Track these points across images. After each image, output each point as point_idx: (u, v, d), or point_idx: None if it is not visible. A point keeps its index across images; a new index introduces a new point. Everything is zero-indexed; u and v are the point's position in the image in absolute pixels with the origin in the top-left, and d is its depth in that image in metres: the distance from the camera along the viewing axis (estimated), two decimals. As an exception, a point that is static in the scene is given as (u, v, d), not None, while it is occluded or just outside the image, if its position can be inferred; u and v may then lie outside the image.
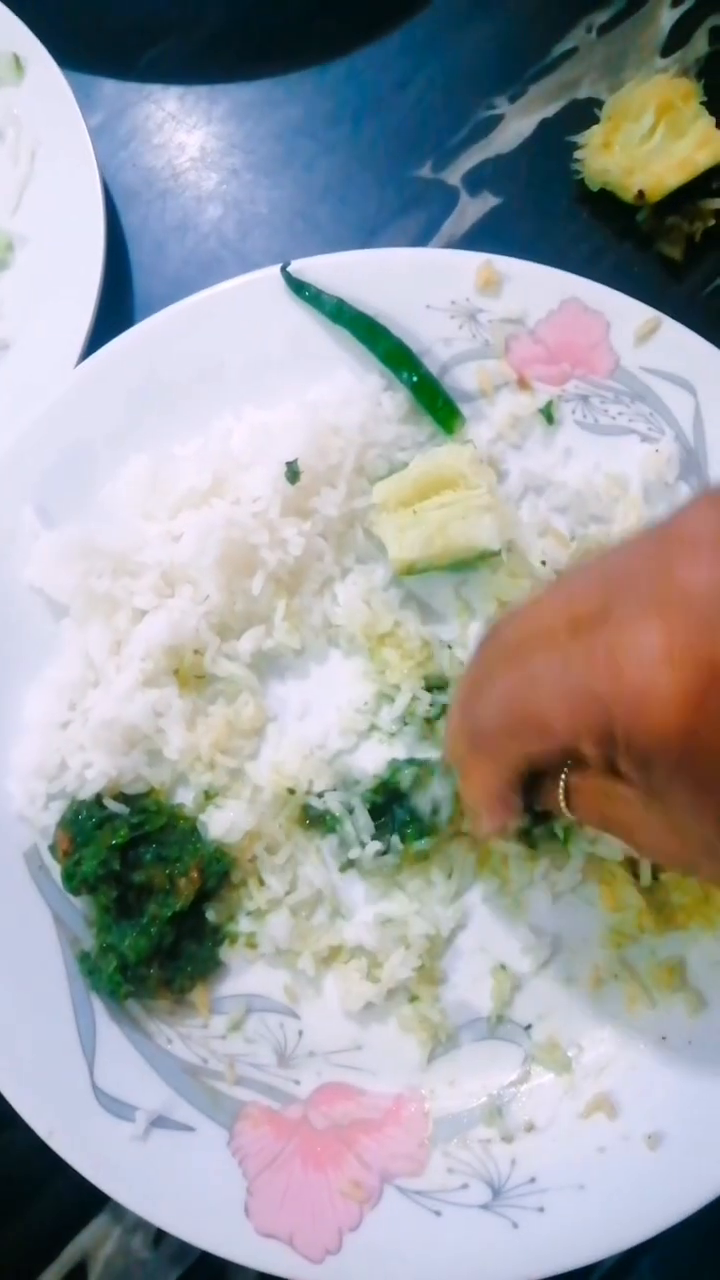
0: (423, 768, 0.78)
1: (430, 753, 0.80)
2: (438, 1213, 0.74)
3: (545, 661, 0.55)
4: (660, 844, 0.59)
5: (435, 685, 0.81)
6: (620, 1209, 0.73)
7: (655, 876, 0.79)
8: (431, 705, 0.80)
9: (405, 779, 0.78)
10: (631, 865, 0.79)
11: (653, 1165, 0.74)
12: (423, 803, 0.77)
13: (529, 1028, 0.78)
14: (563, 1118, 0.76)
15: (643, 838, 0.59)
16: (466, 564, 0.80)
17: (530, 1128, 0.76)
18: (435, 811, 0.77)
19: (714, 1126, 0.74)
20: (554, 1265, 0.72)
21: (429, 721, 0.80)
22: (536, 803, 0.64)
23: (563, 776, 0.60)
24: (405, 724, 0.81)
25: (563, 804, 0.61)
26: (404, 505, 0.79)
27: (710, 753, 0.49)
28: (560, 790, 0.61)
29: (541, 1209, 0.73)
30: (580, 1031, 0.78)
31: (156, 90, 0.99)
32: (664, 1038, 0.77)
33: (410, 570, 0.80)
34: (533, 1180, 0.74)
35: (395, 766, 0.79)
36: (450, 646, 0.82)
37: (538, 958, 0.79)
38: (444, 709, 0.80)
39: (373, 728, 0.81)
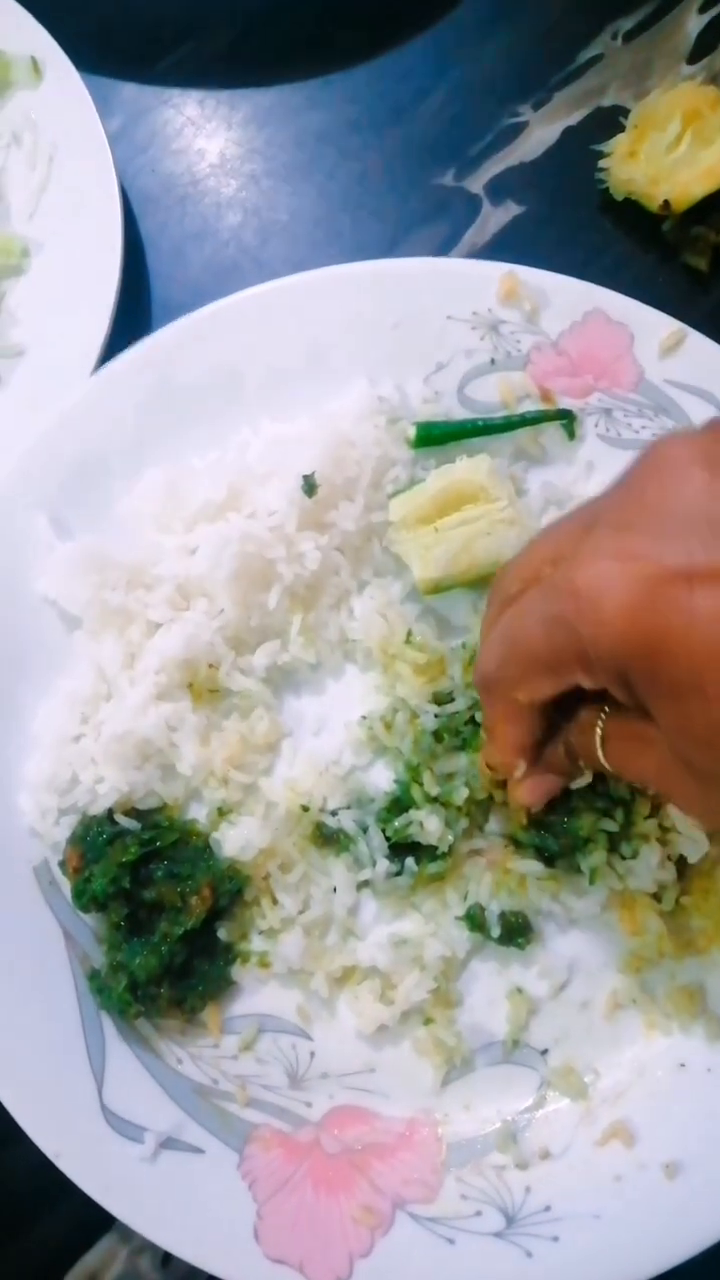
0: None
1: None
2: (450, 1240, 0.72)
3: (530, 597, 0.58)
4: (683, 789, 0.59)
5: (445, 699, 0.79)
6: (637, 1239, 0.72)
7: (677, 901, 0.77)
8: (437, 718, 0.78)
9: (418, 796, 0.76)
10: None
11: (671, 1195, 0.72)
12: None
13: (545, 1052, 0.77)
14: (579, 1145, 0.75)
15: (668, 784, 0.60)
16: (491, 580, 0.79)
17: (545, 1155, 0.75)
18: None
19: (733, 1156, 0.73)
20: (568, 1296, 0.71)
21: (436, 736, 0.78)
22: (574, 753, 0.66)
23: (599, 724, 0.62)
24: (404, 737, 0.79)
25: (599, 753, 0.62)
26: (424, 522, 0.78)
27: (667, 656, 0.50)
28: (597, 738, 0.62)
29: (556, 1238, 0.72)
30: (597, 1057, 0.77)
31: (176, 95, 0.98)
32: (683, 1064, 0.76)
33: (436, 589, 0.79)
34: (547, 1208, 0.73)
35: (404, 784, 0.77)
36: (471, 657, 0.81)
37: (554, 981, 0.78)
38: (449, 719, 0.79)
39: (383, 747, 0.80)
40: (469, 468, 0.79)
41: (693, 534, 0.49)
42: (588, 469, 0.84)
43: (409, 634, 0.80)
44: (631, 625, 0.50)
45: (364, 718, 0.80)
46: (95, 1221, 0.78)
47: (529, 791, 0.69)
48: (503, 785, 0.74)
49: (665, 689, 0.51)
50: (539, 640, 0.56)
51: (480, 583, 0.79)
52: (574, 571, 0.52)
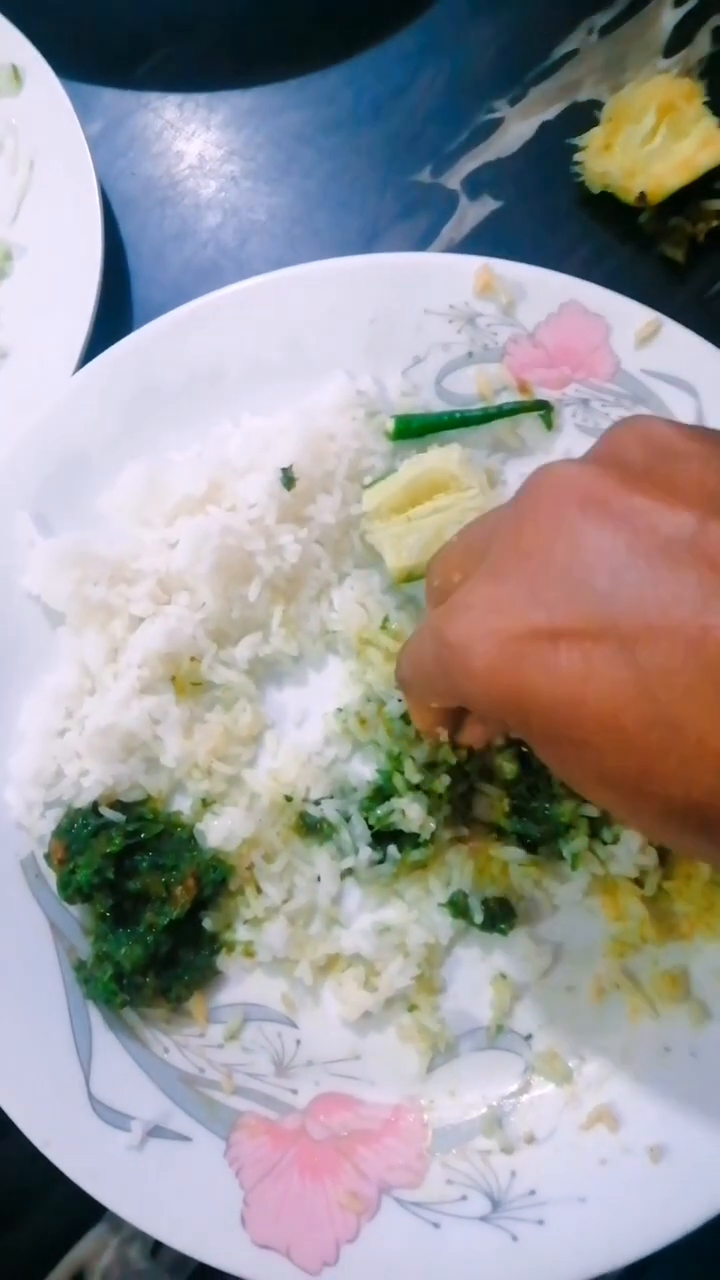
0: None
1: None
2: (436, 1225, 0.73)
3: (427, 626, 0.58)
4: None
5: None
6: (622, 1222, 0.72)
7: (659, 886, 0.78)
8: (400, 702, 0.78)
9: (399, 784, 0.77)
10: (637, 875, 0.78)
11: (655, 1178, 0.73)
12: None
13: (529, 1038, 0.78)
14: (563, 1129, 0.75)
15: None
16: None
17: (530, 1139, 0.75)
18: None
19: (718, 1139, 0.73)
20: (554, 1279, 0.71)
21: (404, 719, 0.78)
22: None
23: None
24: (377, 728, 0.79)
25: None
26: (397, 512, 0.79)
27: (536, 712, 0.49)
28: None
29: (541, 1221, 0.72)
30: (582, 1042, 0.77)
31: (155, 98, 0.99)
32: (667, 1049, 0.76)
33: (410, 577, 0.80)
34: (532, 1192, 0.73)
35: (386, 774, 0.78)
36: None
37: (538, 967, 0.78)
38: None
39: (358, 741, 0.81)
40: (440, 457, 0.79)
41: (560, 586, 0.48)
42: (565, 457, 0.84)
43: (385, 620, 0.80)
44: (498, 683, 0.49)
45: (339, 710, 0.80)
46: (85, 1212, 0.78)
47: (469, 738, 0.72)
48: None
49: (539, 739, 0.50)
50: (432, 671, 0.57)
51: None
52: (447, 623, 0.52)
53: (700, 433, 0.52)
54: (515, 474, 0.85)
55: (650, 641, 0.45)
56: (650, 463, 0.50)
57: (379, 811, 0.77)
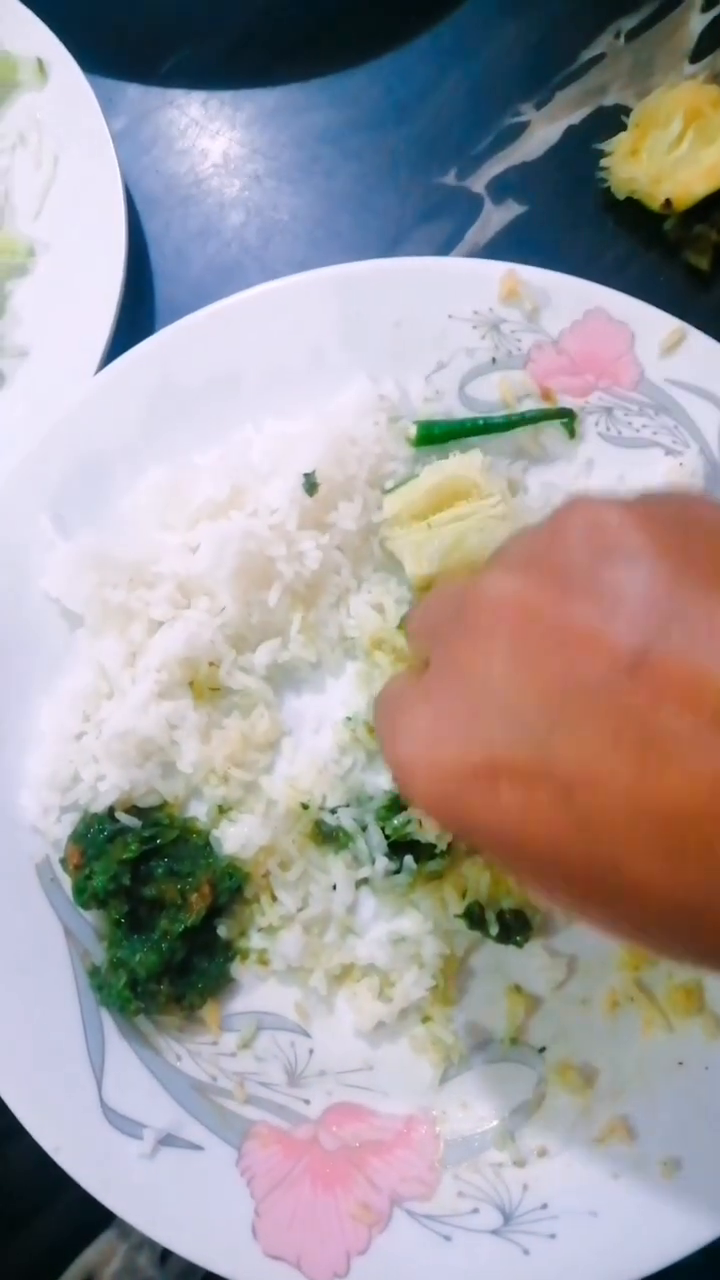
0: None
1: None
2: (447, 1237, 0.72)
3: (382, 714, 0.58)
4: None
5: None
6: (635, 1237, 0.72)
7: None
8: None
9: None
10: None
11: (669, 1192, 0.72)
12: None
13: (543, 1050, 0.77)
14: (576, 1143, 0.75)
15: None
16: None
17: (543, 1152, 0.75)
18: None
19: (732, 1154, 0.73)
20: (566, 1294, 0.71)
21: None
22: None
23: None
24: (372, 732, 0.79)
25: None
26: (418, 518, 0.78)
27: (479, 840, 0.50)
28: None
29: (553, 1235, 0.72)
30: (595, 1055, 0.77)
31: (180, 96, 0.99)
32: (681, 1063, 0.76)
33: (430, 585, 0.79)
34: (544, 1206, 0.73)
35: None
36: None
37: (553, 979, 0.78)
38: None
39: (370, 751, 0.80)
40: (461, 464, 0.79)
41: (498, 719, 0.46)
42: (587, 466, 0.84)
43: (401, 620, 0.80)
44: (442, 811, 0.50)
45: (349, 719, 0.80)
46: (94, 1218, 0.78)
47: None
48: None
49: (486, 854, 0.53)
50: (387, 759, 0.56)
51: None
52: (391, 742, 0.52)
53: (652, 517, 0.46)
54: (536, 481, 0.84)
55: (587, 787, 0.43)
56: (594, 565, 0.46)
57: (395, 821, 0.76)
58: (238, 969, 0.77)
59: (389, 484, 0.81)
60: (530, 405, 0.84)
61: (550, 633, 0.45)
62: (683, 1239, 0.71)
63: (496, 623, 0.48)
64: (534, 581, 0.47)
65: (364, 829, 0.77)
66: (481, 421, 0.83)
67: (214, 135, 0.98)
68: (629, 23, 1.00)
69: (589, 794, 0.43)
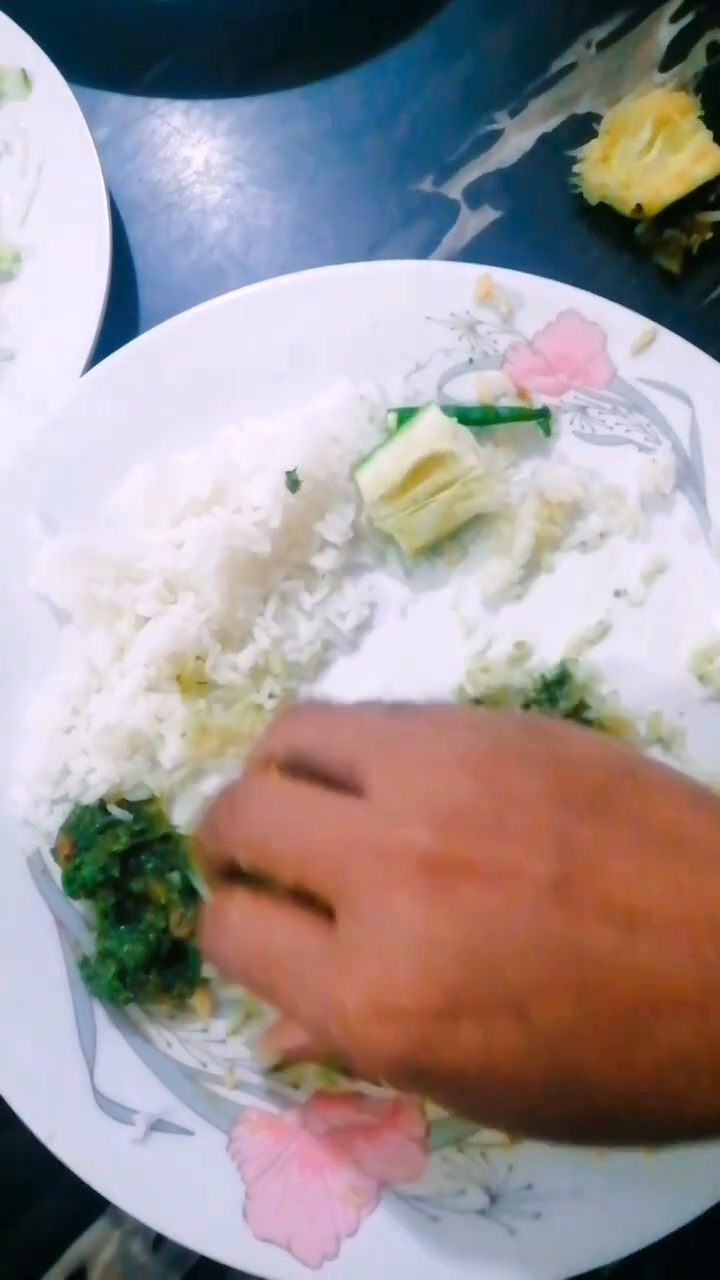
0: None
1: None
2: (435, 1218, 0.74)
3: (280, 961, 0.54)
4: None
5: None
6: (619, 1216, 0.73)
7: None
8: None
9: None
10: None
11: (652, 1171, 0.74)
12: None
13: (527, 1033, 0.79)
14: (561, 1124, 0.76)
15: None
16: (471, 528, 0.85)
17: (528, 1134, 0.76)
18: None
19: (712, 1133, 0.74)
20: (552, 1272, 0.72)
21: None
22: None
23: None
24: None
25: None
26: (400, 494, 0.81)
27: (439, 1085, 0.51)
28: None
29: (538, 1215, 0.73)
30: (578, 1038, 0.78)
31: (162, 105, 1.01)
32: (662, 1044, 0.77)
33: (424, 550, 0.84)
34: (530, 1187, 0.74)
35: None
36: None
37: (537, 964, 0.79)
38: None
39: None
40: (427, 434, 0.80)
41: (450, 958, 0.48)
42: (561, 463, 0.86)
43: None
44: (405, 1061, 0.49)
45: None
46: (88, 1207, 0.79)
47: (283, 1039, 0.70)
48: None
49: (433, 1098, 0.53)
50: (300, 1018, 0.54)
51: (461, 530, 0.84)
52: (326, 1003, 0.50)
53: (519, 754, 0.52)
54: (512, 479, 0.86)
55: (538, 1002, 0.47)
56: (498, 810, 0.50)
57: None
58: (227, 958, 0.78)
59: (354, 460, 0.82)
60: (507, 404, 0.86)
61: (476, 874, 0.49)
62: (668, 1217, 0.72)
63: (414, 871, 0.49)
64: (439, 829, 0.50)
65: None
66: (458, 414, 0.85)
67: (196, 144, 1.00)
68: (600, 33, 1.02)
69: (541, 1008, 0.47)
